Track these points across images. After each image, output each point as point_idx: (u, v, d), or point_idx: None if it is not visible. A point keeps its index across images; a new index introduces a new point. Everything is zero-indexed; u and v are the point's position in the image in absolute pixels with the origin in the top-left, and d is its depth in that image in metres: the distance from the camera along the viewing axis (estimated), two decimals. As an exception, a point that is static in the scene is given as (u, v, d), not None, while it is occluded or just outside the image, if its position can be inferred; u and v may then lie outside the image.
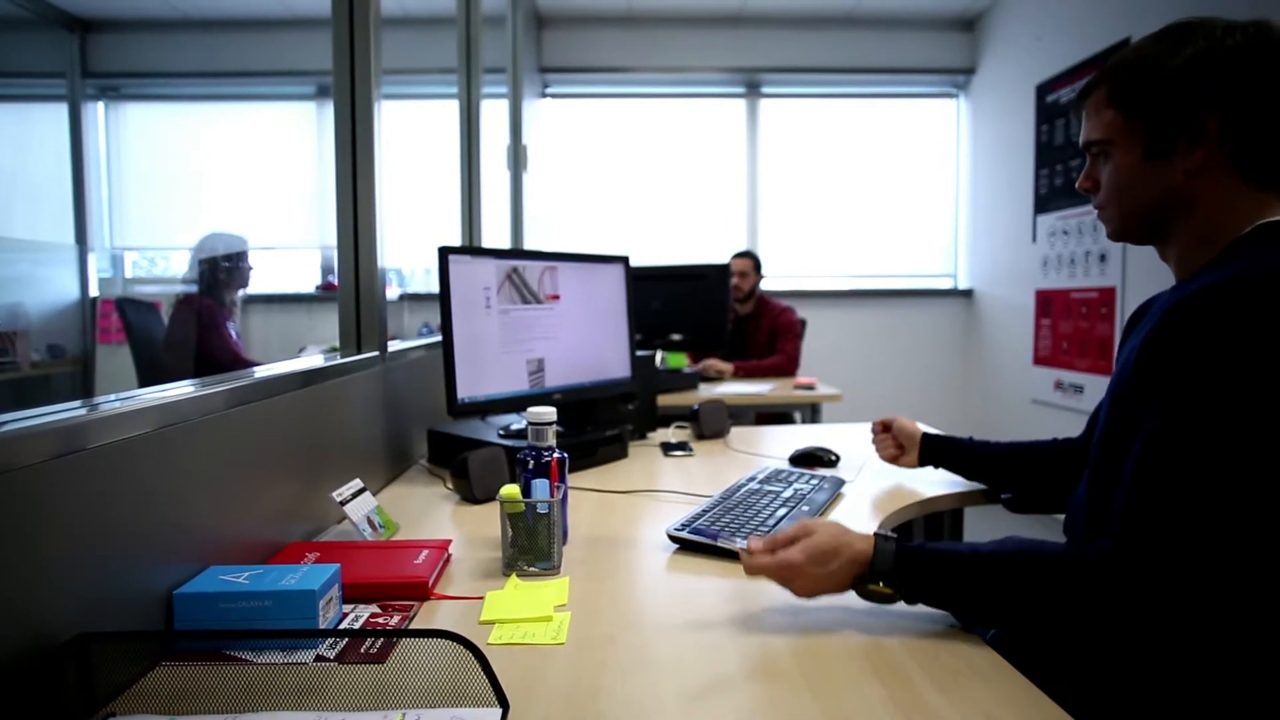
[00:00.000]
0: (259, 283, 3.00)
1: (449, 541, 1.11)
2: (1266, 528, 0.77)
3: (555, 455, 1.11)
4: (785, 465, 1.67)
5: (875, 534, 0.89)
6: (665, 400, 2.48)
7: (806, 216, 5.16)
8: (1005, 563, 0.84)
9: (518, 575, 1.04)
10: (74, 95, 2.95)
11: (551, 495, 1.06)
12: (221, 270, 2.71)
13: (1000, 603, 0.84)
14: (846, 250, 5.17)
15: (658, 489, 1.51)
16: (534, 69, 4.69)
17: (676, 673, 0.77)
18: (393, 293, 2.46)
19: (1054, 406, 4.11)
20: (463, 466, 1.41)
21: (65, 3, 2.87)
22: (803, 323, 3.89)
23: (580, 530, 1.25)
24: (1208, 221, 0.93)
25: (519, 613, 0.91)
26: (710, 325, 3.24)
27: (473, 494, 1.41)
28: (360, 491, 1.21)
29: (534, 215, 4.24)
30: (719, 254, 4.07)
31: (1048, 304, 4.18)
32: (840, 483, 1.49)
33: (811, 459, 1.69)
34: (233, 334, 2.67)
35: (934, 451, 1.50)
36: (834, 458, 1.69)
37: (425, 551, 1.06)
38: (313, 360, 1.43)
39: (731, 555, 1.09)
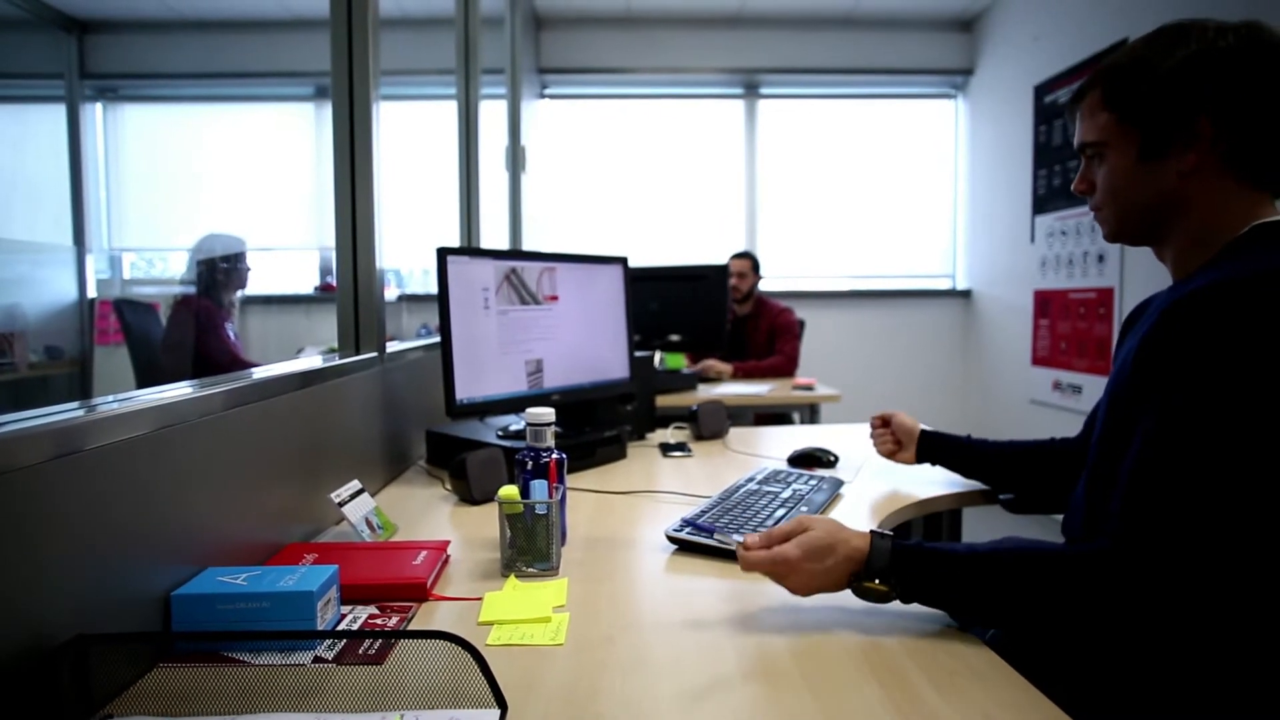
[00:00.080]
0: (257, 284, 3.00)
1: (447, 542, 1.11)
2: (1264, 527, 0.77)
3: (554, 456, 1.11)
4: (784, 466, 1.67)
5: (872, 531, 0.89)
6: (664, 401, 2.48)
7: (805, 217, 5.17)
8: (1002, 562, 0.84)
9: (516, 576, 1.04)
10: (72, 96, 2.95)
11: (550, 496, 1.06)
12: (220, 271, 2.70)
13: (997, 602, 0.84)
14: (845, 251, 5.18)
15: (656, 490, 1.51)
16: (532, 70, 4.69)
17: (675, 673, 0.77)
18: (391, 294, 2.46)
19: (1052, 407, 4.11)
20: (461, 467, 1.41)
21: (63, 4, 2.86)
22: (801, 323, 3.89)
23: (579, 531, 1.25)
24: (1203, 222, 0.93)
25: (517, 614, 0.91)
26: (709, 326, 3.24)
27: (471, 495, 1.40)
28: (359, 492, 1.21)
29: (532, 216, 4.24)
30: (717, 255, 4.08)
31: (1046, 304, 4.18)
32: (839, 483, 1.49)
33: (810, 460, 1.69)
34: (231, 335, 2.67)
35: (931, 448, 1.50)
36: (832, 458, 1.69)
37: (424, 552, 1.06)
38: (311, 361, 1.43)
39: (729, 554, 1.09)
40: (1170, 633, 0.80)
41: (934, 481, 1.52)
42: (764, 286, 4.03)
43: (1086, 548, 0.84)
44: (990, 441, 1.44)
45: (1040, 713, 0.70)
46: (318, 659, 0.81)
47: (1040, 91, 4.21)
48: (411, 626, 0.90)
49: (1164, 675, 0.86)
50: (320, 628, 0.85)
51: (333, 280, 1.58)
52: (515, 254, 1.70)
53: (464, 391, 1.51)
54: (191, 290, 2.70)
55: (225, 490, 0.97)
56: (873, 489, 1.50)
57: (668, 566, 1.09)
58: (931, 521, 1.78)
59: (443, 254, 1.48)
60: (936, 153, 5.20)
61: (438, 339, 1.53)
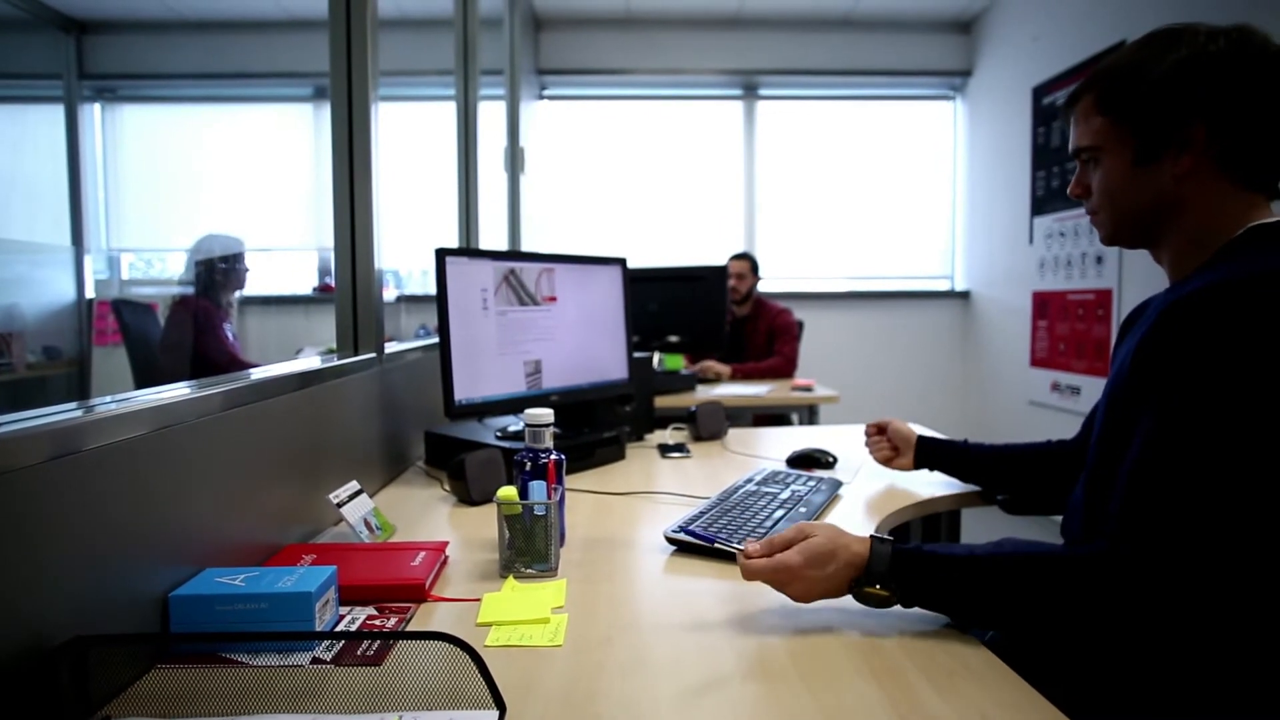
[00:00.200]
0: (256, 284, 2.99)
1: (446, 543, 1.11)
2: (1263, 528, 0.77)
3: (552, 457, 1.11)
4: (783, 467, 1.67)
5: (871, 536, 0.89)
6: (663, 402, 2.48)
7: (804, 218, 5.17)
8: (1001, 565, 0.84)
9: (515, 577, 1.04)
10: (70, 97, 2.95)
11: (549, 497, 1.06)
12: (218, 272, 2.70)
13: (997, 605, 0.84)
14: (844, 252, 5.18)
15: (655, 490, 1.51)
16: (531, 71, 4.70)
17: (674, 674, 0.77)
18: (390, 294, 2.46)
19: (1051, 408, 4.12)
20: (460, 468, 1.41)
21: (62, 4, 2.86)
22: (800, 324, 3.89)
23: (577, 532, 1.25)
24: (1199, 225, 0.93)
25: (516, 615, 0.91)
26: (708, 327, 3.24)
27: (470, 496, 1.40)
28: (357, 493, 1.21)
29: (531, 217, 4.24)
30: (716, 256, 4.08)
31: (1044, 306, 4.19)
32: (837, 484, 1.49)
33: (809, 460, 1.69)
34: (229, 335, 2.67)
35: (929, 454, 1.51)
36: (831, 459, 1.69)
37: (422, 553, 1.06)
38: (310, 362, 1.43)
39: (728, 556, 1.09)
40: (1169, 634, 0.80)
41: (933, 482, 1.52)
42: (763, 288, 4.03)
43: (1085, 549, 0.84)
44: (987, 445, 1.44)
45: (1038, 713, 0.70)
46: (316, 660, 0.81)
47: (1039, 93, 4.21)
48: (410, 628, 0.90)
49: (1162, 675, 0.86)
50: (318, 629, 0.85)
51: (331, 281, 1.58)
52: (514, 255, 1.70)
53: (463, 392, 1.51)
54: (190, 291, 2.69)
55: (224, 491, 0.97)
56: (871, 490, 1.50)
57: (666, 568, 1.09)
58: (930, 522, 1.78)
59: (441, 255, 1.48)
60: (935, 154, 5.20)
61: (436, 340, 1.53)
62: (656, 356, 3.15)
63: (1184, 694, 0.85)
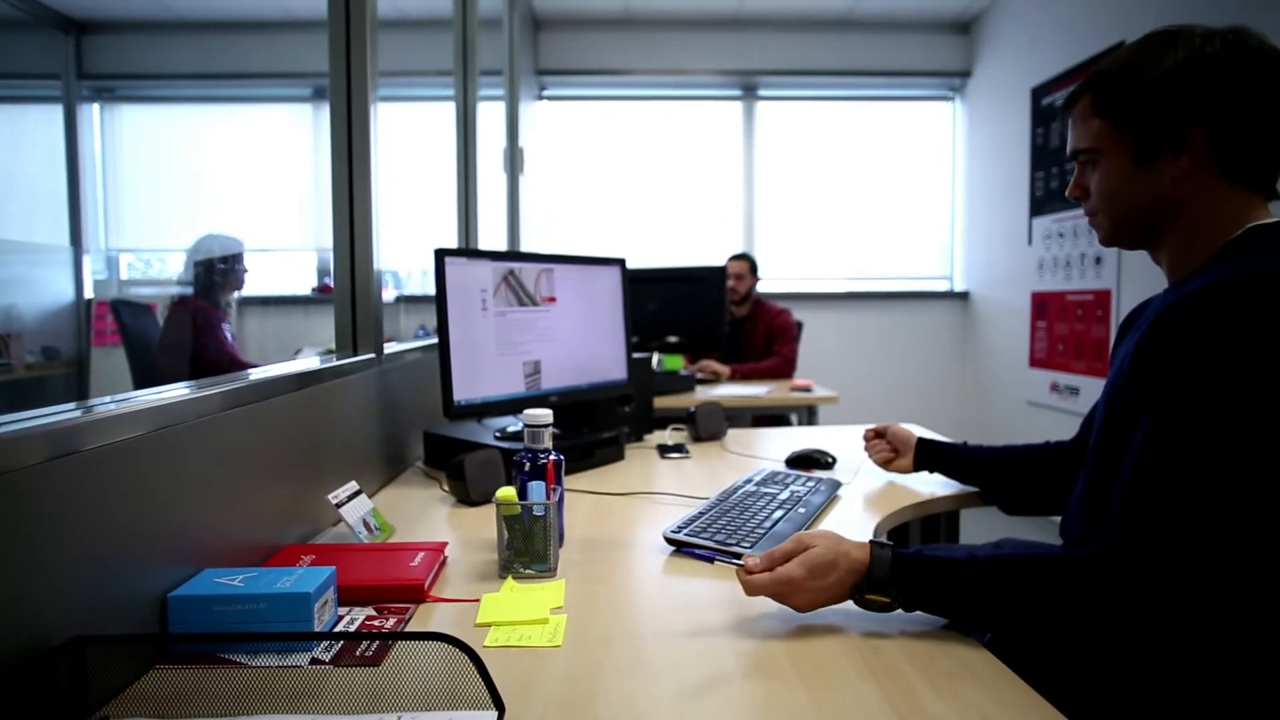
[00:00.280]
0: (255, 284, 2.99)
1: (445, 544, 1.11)
2: (1262, 529, 0.77)
3: (551, 457, 1.11)
4: (782, 467, 1.67)
5: (871, 542, 0.89)
6: (662, 402, 2.48)
7: (803, 219, 5.17)
8: (1002, 567, 0.84)
9: (514, 578, 1.04)
10: (69, 97, 2.95)
11: (548, 497, 1.06)
12: (217, 272, 2.70)
13: (998, 608, 0.84)
14: (843, 253, 5.18)
15: (654, 491, 1.51)
16: (531, 71, 4.70)
17: (673, 675, 0.77)
18: (389, 295, 2.46)
19: (1050, 409, 4.12)
20: (459, 469, 1.41)
21: (60, 4, 2.86)
22: (799, 325, 3.89)
23: (576, 532, 1.25)
24: (1197, 225, 0.94)
25: (515, 615, 0.91)
26: (707, 327, 3.24)
27: (469, 496, 1.40)
28: (356, 494, 1.21)
29: (530, 217, 4.24)
30: (715, 256, 4.08)
31: (1043, 306, 4.19)
32: (837, 485, 1.49)
33: (808, 461, 1.69)
34: (228, 336, 2.66)
35: (928, 456, 1.51)
36: (830, 460, 1.69)
37: (421, 554, 1.06)
38: (309, 362, 1.43)
39: (729, 558, 1.09)
40: (1168, 634, 0.81)
41: (932, 482, 1.52)
42: (762, 288, 4.04)
43: (1084, 550, 0.84)
44: (986, 447, 1.45)
45: (1037, 713, 0.70)
46: (315, 660, 0.80)
47: (1038, 94, 4.22)
48: (409, 628, 0.90)
49: (1161, 676, 0.86)
50: (317, 629, 0.85)
51: (330, 281, 1.58)
52: (513, 255, 1.70)
53: (462, 393, 1.51)
54: (189, 291, 2.69)
55: (223, 491, 0.97)
56: (870, 490, 1.50)
57: (665, 568, 1.09)
58: (929, 523, 1.78)
59: (441, 255, 1.48)
60: (934, 154, 5.20)
61: (435, 340, 1.53)
62: (656, 357, 3.15)
63: (1183, 694, 0.85)
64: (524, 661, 0.80)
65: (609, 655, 0.82)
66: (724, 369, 3.46)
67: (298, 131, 3.85)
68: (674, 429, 2.09)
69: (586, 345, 1.80)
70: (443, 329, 1.48)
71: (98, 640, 0.71)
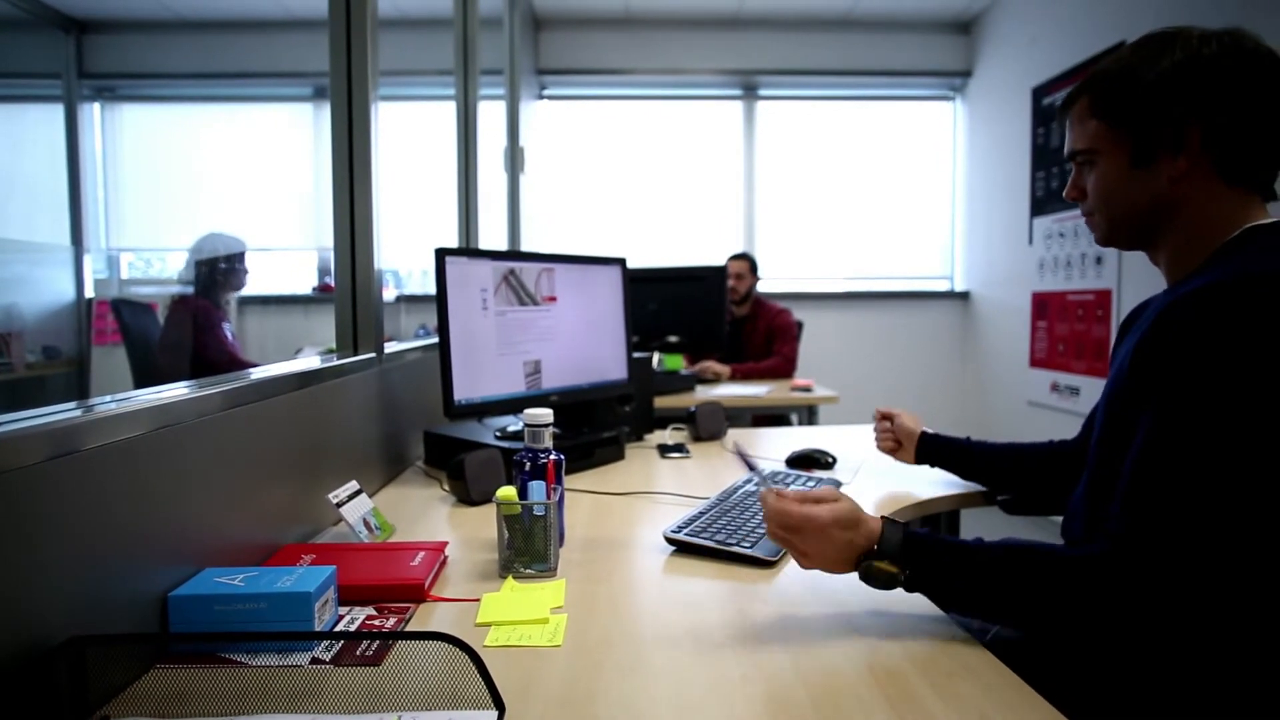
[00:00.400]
0: (256, 284, 2.99)
1: (445, 543, 1.11)
2: (1262, 528, 0.77)
3: (552, 457, 1.11)
4: (782, 467, 1.67)
5: (884, 518, 0.89)
6: (662, 402, 2.48)
7: (803, 219, 5.17)
8: (1005, 558, 0.84)
9: (514, 577, 1.04)
10: (70, 96, 2.95)
11: (548, 497, 1.06)
12: (218, 272, 2.70)
13: (998, 597, 0.85)
14: (843, 252, 5.18)
15: (654, 491, 1.51)
16: (531, 71, 4.69)
17: (673, 675, 0.77)
18: (389, 294, 2.46)
19: (1050, 409, 4.12)
20: (459, 468, 1.41)
21: (61, 3, 2.86)
22: (799, 325, 3.89)
23: (577, 532, 1.25)
24: (1196, 226, 0.94)
25: (515, 615, 0.91)
26: (707, 327, 3.24)
27: (469, 496, 1.40)
28: (356, 493, 1.21)
29: (531, 217, 4.24)
30: (716, 256, 4.08)
31: (1044, 306, 4.19)
32: (837, 484, 1.49)
33: (808, 461, 1.69)
34: (229, 335, 2.66)
35: (931, 450, 1.51)
36: (831, 459, 1.69)
37: (421, 553, 1.06)
38: (309, 362, 1.43)
39: (729, 558, 1.09)
40: (1169, 634, 0.81)
41: (932, 482, 1.52)
42: (762, 288, 4.03)
43: (1086, 549, 0.84)
44: (989, 443, 1.45)
45: (1037, 713, 0.70)
46: (315, 660, 0.80)
47: (1038, 93, 4.22)
48: (409, 628, 0.90)
49: (1162, 676, 0.86)
50: (318, 629, 0.85)
51: (331, 281, 1.58)
52: (514, 255, 1.70)
53: (462, 392, 1.51)
54: (189, 290, 2.69)
55: (223, 491, 0.97)
56: (871, 490, 1.50)
57: (666, 568, 1.09)
58: (929, 523, 1.78)
59: (441, 255, 1.48)
60: (935, 154, 5.20)
61: (436, 340, 1.53)
62: (656, 356, 3.15)
63: (1184, 694, 0.85)
64: (524, 661, 0.80)
65: (609, 655, 0.82)
66: (724, 369, 3.46)
67: (298, 131, 3.85)
68: (674, 428, 2.09)
69: (587, 345, 1.80)
70: (443, 328, 1.48)
71: (98, 640, 0.71)
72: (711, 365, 3.44)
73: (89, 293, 2.47)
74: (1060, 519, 1.11)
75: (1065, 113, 1.02)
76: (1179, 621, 0.79)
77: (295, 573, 0.87)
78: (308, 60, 3.34)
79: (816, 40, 5.03)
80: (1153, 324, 0.85)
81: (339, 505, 1.16)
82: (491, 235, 3.13)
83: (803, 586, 1.00)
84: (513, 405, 1.61)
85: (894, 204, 5.17)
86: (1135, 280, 3.46)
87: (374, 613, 0.93)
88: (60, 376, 2.28)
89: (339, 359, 1.45)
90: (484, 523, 1.30)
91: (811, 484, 1.45)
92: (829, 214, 5.16)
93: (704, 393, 3.00)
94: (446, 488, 1.48)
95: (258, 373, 1.18)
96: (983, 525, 1.62)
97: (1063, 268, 4.00)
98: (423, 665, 0.73)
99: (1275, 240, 0.89)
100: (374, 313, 1.56)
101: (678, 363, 3.26)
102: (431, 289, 1.51)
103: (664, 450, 1.87)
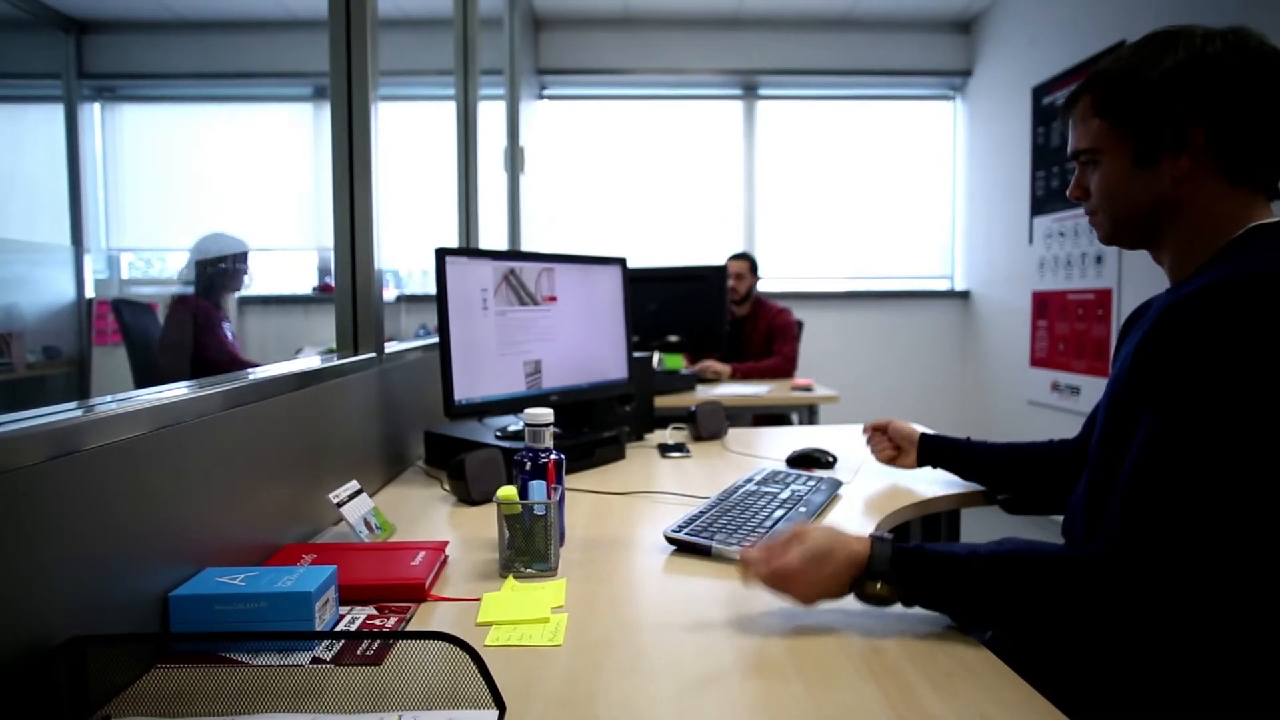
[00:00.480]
0: (256, 284, 2.99)
1: (446, 543, 1.11)
2: (1263, 529, 0.77)
3: (552, 456, 1.11)
4: (782, 467, 1.67)
5: (871, 536, 0.89)
6: (662, 402, 2.48)
7: (803, 218, 5.17)
8: (1003, 564, 0.84)
9: (515, 577, 1.04)
10: (70, 96, 2.95)
11: (548, 497, 1.06)
12: (219, 272, 2.70)
13: (997, 604, 0.84)
14: (843, 252, 5.18)
15: (655, 490, 1.51)
16: (531, 71, 4.69)
17: (673, 674, 0.77)
18: (390, 294, 2.46)
19: (1051, 408, 4.12)
20: (460, 468, 1.41)
21: (61, 3, 2.86)
22: (799, 324, 3.89)
23: (577, 532, 1.25)
24: (1199, 225, 0.93)
25: (516, 614, 0.91)
26: (707, 327, 3.24)
27: (470, 495, 1.40)
28: (357, 493, 1.21)
29: (531, 217, 4.24)
30: (716, 256, 4.07)
31: (1044, 306, 4.19)
32: (837, 484, 1.49)
33: (809, 460, 1.69)
34: (229, 335, 2.66)
35: (932, 452, 1.51)
36: (831, 459, 1.69)
37: (422, 553, 1.06)
38: (309, 361, 1.43)
39: (728, 557, 1.09)
40: (1169, 634, 0.80)
41: (932, 482, 1.52)
42: (762, 287, 4.03)
43: (1086, 550, 0.84)
44: (990, 443, 1.45)
45: (1038, 713, 0.70)
46: (316, 660, 0.81)
47: (1038, 93, 4.21)
48: (410, 627, 0.90)
49: (1162, 676, 0.86)
50: (318, 628, 0.85)
51: (331, 281, 1.58)
52: (514, 254, 1.70)
53: (462, 392, 1.51)
54: (189, 290, 2.69)
55: (223, 491, 0.97)
56: (871, 489, 1.50)
57: (666, 567, 1.09)
58: (930, 522, 1.78)
59: (441, 254, 1.48)
60: (935, 154, 5.20)
61: (436, 339, 1.53)
62: (656, 356, 3.15)
63: (1183, 694, 0.85)
64: (525, 661, 0.80)
65: (610, 654, 0.82)
66: (724, 368, 3.46)
67: (298, 131, 3.85)
68: (674, 428, 2.09)
69: (587, 345, 1.80)
70: (443, 328, 1.48)
71: (98, 639, 0.71)
72: (712, 365, 3.44)
73: (89, 293, 2.47)
74: (1061, 519, 1.11)
75: (1068, 112, 1.02)
76: (1179, 621, 0.79)
77: (296, 572, 0.87)
78: (308, 60, 3.34)
79: (816, 40, 5.03)
80: (1154, 324, 0.85)
81: (339, 505, 1.16)
82: (491, 235, 3.13)
83: (803, 586, 1.00)
84: (513, 405, 1.61)
85: (894, 203, 5.17)
86: (1136, 280, 3.46)
87: (374, 612, 0.93)
88: (60, 376, 2.28)
89: (339, 359, 1.45)
90: (484, 522, 1.30)
91: (812, 483, 1.45)
92: (829, 213, 5.16)
93: (704, 392, 3.00)
94: (447, 487, 1.48)
95: (258, 373, 1.18)
96: (983, 525, 1.62)
97: (1063, 267, 4.00)
98: (423, 665, 0.73)
99: (1278, 240, 0.89)
100: (374, 313, 1.56)
101: (678, 362, 3.26)
102: (431, 289, 1.51)
103: (664, 450, 1.87)
